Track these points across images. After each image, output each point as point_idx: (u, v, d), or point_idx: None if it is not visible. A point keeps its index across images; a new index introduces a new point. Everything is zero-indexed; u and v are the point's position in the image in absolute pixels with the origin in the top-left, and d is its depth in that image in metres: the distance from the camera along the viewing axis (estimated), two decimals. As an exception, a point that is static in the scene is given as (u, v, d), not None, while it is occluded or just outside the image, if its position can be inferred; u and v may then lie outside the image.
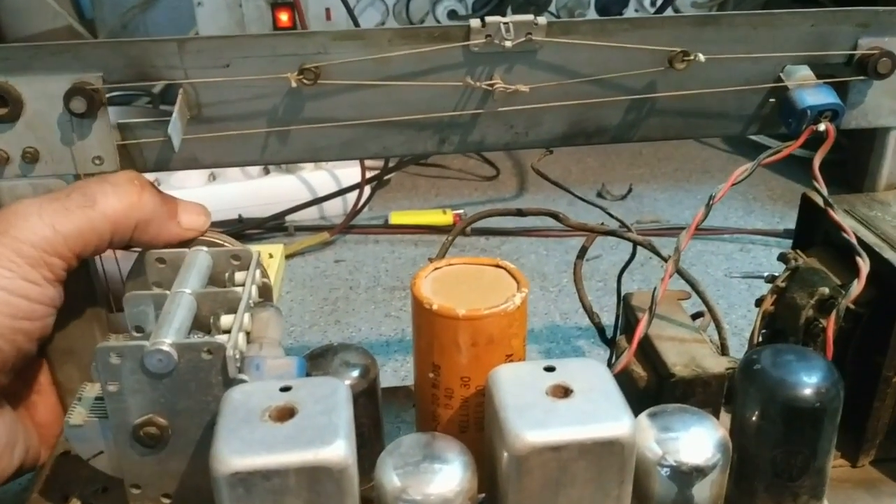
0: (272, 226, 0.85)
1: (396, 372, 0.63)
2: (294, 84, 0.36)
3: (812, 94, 0.39)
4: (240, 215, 0.84)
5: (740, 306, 0.71)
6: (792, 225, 0.85)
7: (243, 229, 0.83)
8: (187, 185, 0.84)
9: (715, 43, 0.39)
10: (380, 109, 0.39)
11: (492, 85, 0.38)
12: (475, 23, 0.36)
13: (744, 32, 0.39)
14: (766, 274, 0.46)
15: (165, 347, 0.30)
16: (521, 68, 0.38)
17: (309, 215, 0.87)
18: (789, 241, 0.81)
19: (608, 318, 0.68)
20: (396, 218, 0.87)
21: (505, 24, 0.36)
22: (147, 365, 0.31)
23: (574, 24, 0.37)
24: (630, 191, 0.94)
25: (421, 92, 0.38)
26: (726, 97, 0.40)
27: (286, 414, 0.28)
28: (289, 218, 0.85)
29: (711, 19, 0.38)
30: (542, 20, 0.37)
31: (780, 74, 0.40)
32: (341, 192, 0.87)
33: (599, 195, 0.94)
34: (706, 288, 0.43)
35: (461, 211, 0.89)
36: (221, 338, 0.32)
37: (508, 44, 0.36)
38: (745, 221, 0.87)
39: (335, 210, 0.89)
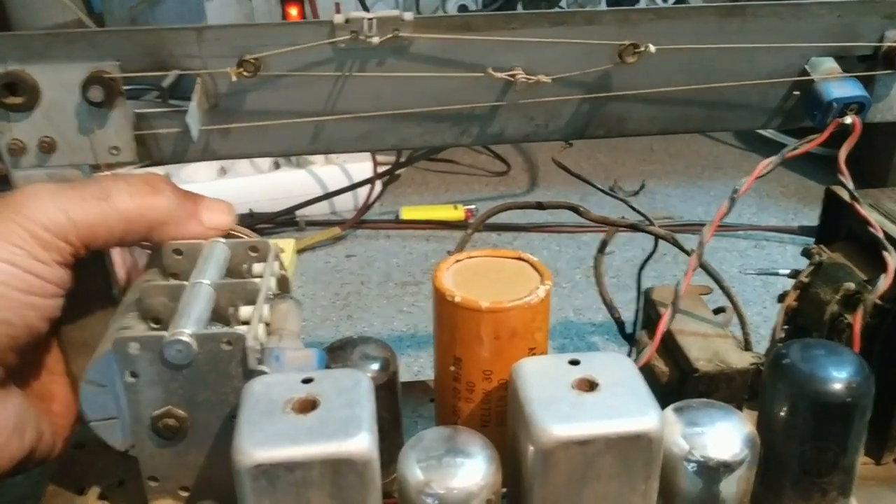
0: (283, 220, 0.85)
1: (409, 367, 0.63)
2: (234, 78, 0.35)
3: (838, 86, 0.38)
4: (250, 210, 0.84)
5: (755, 303, 0.70)
6: (805, 221, 0.85)
7: (254, 224, 0.83)
8: (197, 180, 0.83)
9: (740, 34, 0.38)
10: (398, 101, 0.38)
11: (513, 76, 0.37)
12: (338, 19, 0.35)
13: (769, 23, 0.38)
14: (787, 271, 0.45)
15: (185, 338, 0.30)
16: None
17: (320, 210, 0.87)
18: (804, 238, 0.81)
19: (623, 314, 0.68)
20: (408, 213, 0.87)
21: (369, 20, 0.35)
22: (166, 356, 0.30)
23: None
24: (642, 187, 0.93)
25: (440, 83, 0.38)
26: (749, 89, 0.40)
27: (308, 406, 0.28)
28: (299, 213, 0.85)
29: (738, 10, 0.38)
30: (408, 15, 0.36)
31: (806, 66, 0.39)
32: (352, 186, 0.87)
33: (611, 191, 0.93)
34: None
35: (473, 206, 0.88)
36: (241, 329, 0.31)
37: (375, 40, 0.35)
38: (759, 218, 0.86)
39: (346, 205, 0.88)
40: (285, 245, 0.77)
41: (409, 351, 0.65)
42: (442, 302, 0.32)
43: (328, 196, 0.86)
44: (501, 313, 0.31)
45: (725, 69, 0.39)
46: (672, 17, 0.37)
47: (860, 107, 0.38)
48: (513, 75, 0.37)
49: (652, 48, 0.36)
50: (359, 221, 0.84)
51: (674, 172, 0.99)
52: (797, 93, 0.40)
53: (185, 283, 0.33)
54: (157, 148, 0.38)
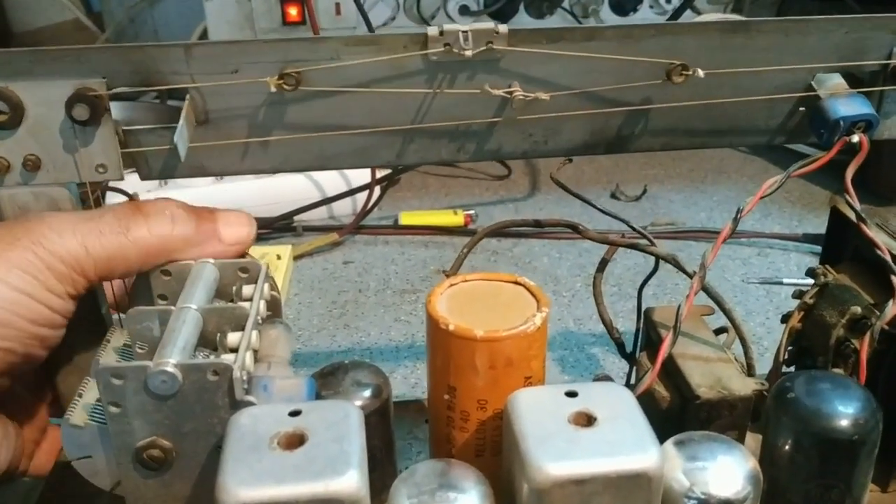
0: (280, 226, 0.84)
1: (406, 379, 0.62)
2: (273, 89, 0.35)
3: (845, 104, 0.37)
4: (247, 215, 0.83)
5: (758, 313, 0.69)
6: (810, 228, 0.84)
7: (251, 229, 0.82)
8: (194, 185, 0.82)
9: (744, 50, 0.37)
10: (393, 117, 0.37)
11: (510, 93, 0.36)
12: (432, 31, 0.35)
13: (774, 40, 0.37)
14: (790, 280, 0.44)
15: (169, 368, 0.29)
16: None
17: (318, 215, 0.86)
18: (808, 246, 0.80)
19: (623, 325, 0.67)
20: (407, 218, 0.86)
21: (464, 32, 0.35)
22: (150, 386, 0.29)
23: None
24: (645, 192, 0.92)
25: (436, 99, 0.37)
26: (754, 106, 0.39)
27: (295, 441, 0.27)
28: (297, 218, 0.84)
29: (742, 26, 0.36)
30: (503, 28, 0.35)
31: (812, 83, 0.38)
32: (351, 192, 0.86)
33: (613, 196, 0.92)
34: (725, 296, 0.41)
35: (472, 211, 0.87)
36: (228, 358, 0.30)
37: (468, 53, 0.35)
38: (763, 225, 0.85)
39: (344, 210, 0.87)
40: (282, 251, 0.76)
41: (406, 362, 0.64)
42: (435, 329, 0.32)
43: (326, 201, 0.85)
44: (496, 342, 0.31)
45: (729, 85, 0.38)
46: (675, 33, 0.36)
47: (867, 125, 0.37)
48: (510, 92, 0.36)
49: (701, 73, 0.36)
50: (357, 227, 0.83)
51: (676, 177, 0.98)
52: (803, 108, 0.39)
53: (171, 307, 0.33)
54: (146, 165, 0.37)
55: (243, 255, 0.36)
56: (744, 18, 0.37)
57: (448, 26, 0.35)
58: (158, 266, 0.35)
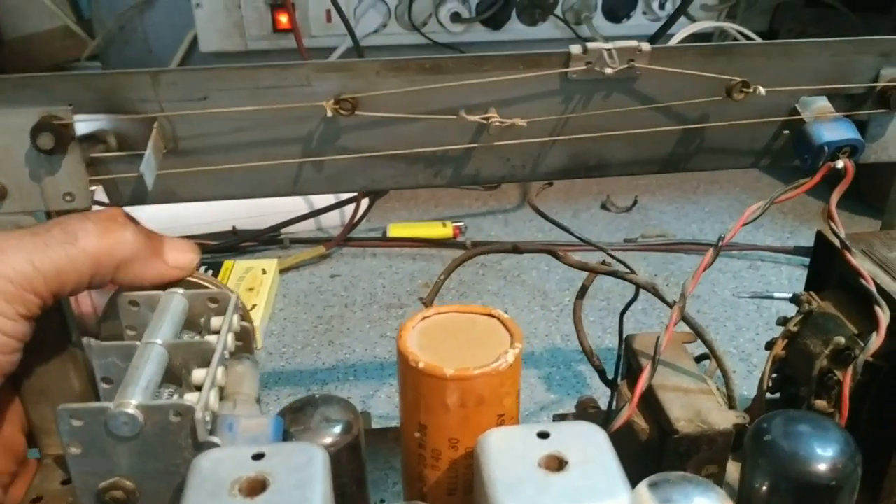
0: (267, 238, 0.83)
1: (391, 398, 0.61)
2: (330, 113, 0.35)
3: (830, 128, 0.36)
4: (234, 227, 0.82)
5: (748, 329, 0.68)
6: (802, 240, 0.83)
7: (238, 242, 0.81)
8: (181, 196, 0.82)
9: (727, 74, 0.36)
10: (369, 142, 0.36)
11: (487, 119, 0.35)
12: (576, 49, 0.35)
13: (756, 63, 0.36)
14: (781, 295, 0.43)
15: (130, 410, 0.28)
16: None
17: (305, 227, 0.85)
18: (800, 259, 0.79)
19: (611, 341, 0.66)
20: (395, 230, 0.85)
21: (608, 50, 0.35)
22: (111, 428, 0.28)
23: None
24: (635, 202, 0.92)
25: (414, 125, 0.36)
26: (737, 130, 0.38)
27: (257, 487, 0.26)
28: (284, 230, 0.83)
29: (723, 49, 0.36)
30: (646, 46, 0.35)
31: (796, 106, 0.37)
32: (339, 204, 0.85)
33: (604, 207, 0.92)
34: (712, 310, 0.40)
35: (461, 223, 0.87)
36: (191, 397, 0.30)
37: (609, 71, 0.35)
38: (754, 237, 0.84)
39: (332, 221, 0.87)
40: (268, 265, 0.76)
41: (391, 380, 0.63)
42: (406, 366, 0.31)
43: (314, 214, 0.84)
44: (467, 381, 0.30)
45: (711, 109, 0.37)
46: (655, 57, 0.36)
47: (853, 150, 0.37)
48: (486, 118, 0.35)
49: (762, 90, 0.36)
50: (345, 239, 0.83)
51: (668, 187, 0.97)
52: (787, 132, 0.38)
53: (137, 343, 0.32)
54: (116, 192, 0.37)
55: (182, 280, 0.36)
56: (729, 43, 0.36)
57: (592, 45, 0.35)
58: (108, 280, 0.34)
